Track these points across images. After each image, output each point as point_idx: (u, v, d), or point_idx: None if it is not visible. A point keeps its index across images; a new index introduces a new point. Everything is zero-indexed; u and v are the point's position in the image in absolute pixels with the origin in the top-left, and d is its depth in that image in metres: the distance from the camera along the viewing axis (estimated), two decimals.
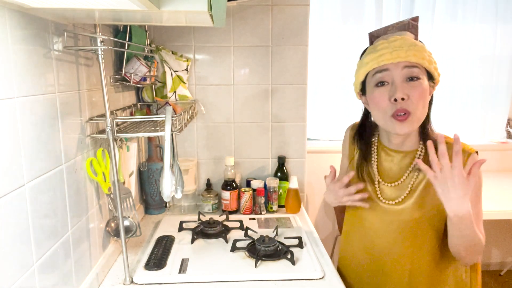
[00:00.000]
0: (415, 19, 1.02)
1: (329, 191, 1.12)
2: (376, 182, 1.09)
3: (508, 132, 2.54)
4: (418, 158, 1.04)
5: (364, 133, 1.15)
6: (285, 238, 1.36)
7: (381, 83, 0.99)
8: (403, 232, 1.04)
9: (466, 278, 1.07)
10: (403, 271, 1.05)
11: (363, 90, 1.07)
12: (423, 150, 1.05)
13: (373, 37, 1.07)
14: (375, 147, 1.13)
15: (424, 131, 1.05)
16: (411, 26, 1.02)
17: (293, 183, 1.65)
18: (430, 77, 1.00)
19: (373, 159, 1.12)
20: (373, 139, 1.14)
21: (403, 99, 0.95)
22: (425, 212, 1.01)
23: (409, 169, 1.05)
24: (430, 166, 0.97)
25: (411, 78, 0.96)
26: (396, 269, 1.06)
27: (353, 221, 1.16)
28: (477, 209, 1.00)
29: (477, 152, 1.02)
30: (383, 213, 1.06)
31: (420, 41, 1.01)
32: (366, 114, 1.14)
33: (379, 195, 1.08)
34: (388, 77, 0.98)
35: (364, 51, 1.07)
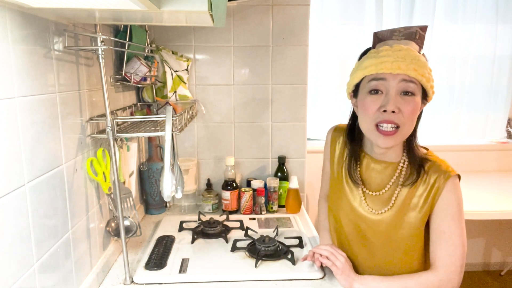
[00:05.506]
0: (424, 29, 0.97)
1: (343, 271, 1.04)
2: (360, 189, 1.08)
3: (508, 132, 2.54)
4: (400, 170, 1.04)
5: (354, 135, 1.12)
6: (285, 238, 1.36)
7: (375, 91, 0.97)
8: (373, 243, 1.05)
9: None
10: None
11: (355, 92, 1.05)
12: (405, 163, 1.04)
13: (377, 38, 1.03)
14: (359, 153, 1.11)
15: (409, 144, 1.03)
16: (418, 36, 0.98)
17: (293, 183, 1.65)
18: (424, 94, 0.98)
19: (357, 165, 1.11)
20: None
21: (393, 112, 0.94)
22: (399, 230, 1.01)
23: (391, 181, 1.04)
24: (411, 179, 1.01)
25: (406, 93, 0.95)
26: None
27: (335, 222, 1.16)
28: (449, 231, 0.98)
29: (459, 176, 0.99)
30: (359, 218, 1.06)
31: (423, 54, 0.99)
32: (354, 118, 1.12)
33: (363, 201, 1.07)
34: (383, 87, 0.95)
35: (364, 52, 1.05)
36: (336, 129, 1.22)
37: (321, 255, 1.09)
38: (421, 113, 1.02)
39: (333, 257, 1.05)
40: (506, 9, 2.33)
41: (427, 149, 1.07)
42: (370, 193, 1.06)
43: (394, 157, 1.05)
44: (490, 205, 1.86)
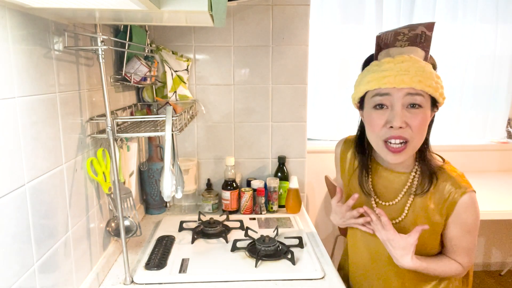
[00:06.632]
0: (430, 27, 0.91)
1: (335, 212, 1.09)
2: (372, 199, 1.07)
3: (508, 132, 2.54)
4: (413, 179, 1.01)
5: (363, 146, 1.09)
6: (285, 238, 1.36)
7: (379, 106, 0.94)
8: (387, 255, 1.03)
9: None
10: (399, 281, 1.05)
11: (361, 103, 1.02)
12: (418, 172, 1.01)
13: (381, 41, 0.97)
14: (370, 163, 1.09)
15: (421, 154, 1.00)
16: (423, 38, 0.93)
17: (293, 183, 1.65)
18: (434, 102, 0.95)
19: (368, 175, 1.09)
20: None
21: (400, 127, 0.91)
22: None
23: (403, 190, 1.02)
24: (423, 188, 0.99)
25: (413, 105, 0.91)
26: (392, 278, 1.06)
27: (348, 234, 1.15)
28: (466, 242, 1.00)
29: (474, 191, 0.97)
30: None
31: (430, 56, 0.95)
32: (362, 129, 1.08)
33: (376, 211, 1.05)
34: (388, 102, 0.92)
35: (367, 61, 1.02)
36: (345, 142, 1.19)
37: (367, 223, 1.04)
38: (432, 120, 0.99)
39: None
40: (506, 9, 2.33)
41: (443, 159, 1.05)
42: (382, 203, 1.05)
43: (406, 166, 1.03)
44: (490, 205, 1.86)
